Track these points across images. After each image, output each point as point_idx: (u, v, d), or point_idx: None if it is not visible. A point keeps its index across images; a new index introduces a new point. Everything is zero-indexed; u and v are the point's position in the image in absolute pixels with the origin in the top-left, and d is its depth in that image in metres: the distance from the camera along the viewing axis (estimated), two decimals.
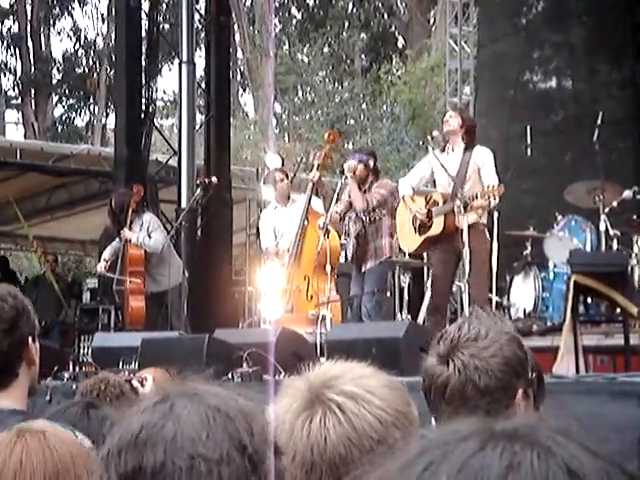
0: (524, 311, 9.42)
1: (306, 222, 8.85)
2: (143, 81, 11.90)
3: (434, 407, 2.41)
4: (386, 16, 31.31)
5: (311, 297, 8.64)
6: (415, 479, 0.88)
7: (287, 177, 9.29)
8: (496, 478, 0.85)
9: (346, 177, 8.60)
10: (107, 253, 10.25)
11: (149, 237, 9.78)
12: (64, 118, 34.50)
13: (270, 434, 1.37)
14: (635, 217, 8.77)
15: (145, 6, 12.15)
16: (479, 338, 2.38)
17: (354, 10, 30.83)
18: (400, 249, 8.79)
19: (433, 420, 2.51)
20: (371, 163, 8.71)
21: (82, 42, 34.18)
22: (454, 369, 2.36)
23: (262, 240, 9.64)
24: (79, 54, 34.30)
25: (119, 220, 10.00)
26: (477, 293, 7.55)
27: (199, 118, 12.39)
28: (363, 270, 8.59)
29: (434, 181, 8.25)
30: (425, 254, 8.95)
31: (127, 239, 9.92)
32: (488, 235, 7.91)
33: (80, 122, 34.43)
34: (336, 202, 8.58)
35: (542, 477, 0.85)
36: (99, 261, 10.51)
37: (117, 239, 10.20)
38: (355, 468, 1.73)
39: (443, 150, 7.97)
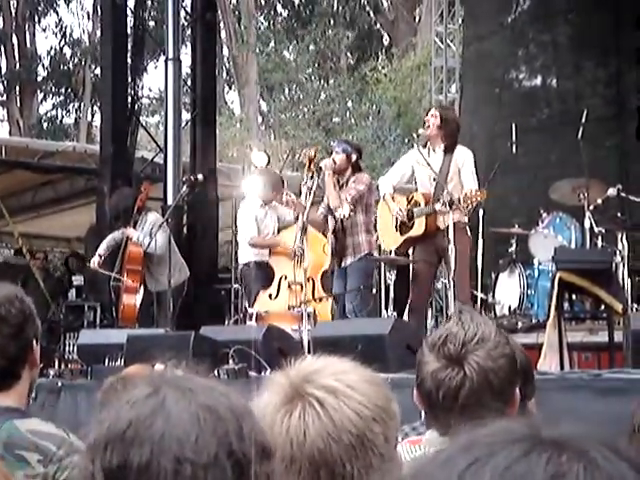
0: (509, 308, 9.45)
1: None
2: (129, 78, 11.88)
3: (440, 412, 2.37)
4: (372, 14, 31.32)
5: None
6: (457, 475, 0.87)
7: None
8: None
9: (323, 175, 8.54)
10: (102, 248, 9.94)
11: (151, 238, 9.50)
12: (49, 115, 34.43)
13: (260, 435, 1.35)
14: (619, 215, 8.80)
15: (131, 3, 12.12)
16: (486, 338, 2.37)
17: (340, 8, 30.82)
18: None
19: (423, 414, 2.50)
20: (354, 157, 8.67)
21: (67, 39, 34.07)
22: (470, 371, 2.33)
23: (247, 230, 9.67)
24: (64, 51, 34.19)
25: (125, 218, 9.79)
26: (460, 291, 7.56)
27: (185, 115, 12.38)
28: (343, 265, 8.58)
29: (414, 179, 8.23)
30: (410, 251, 8.96)
31: (129, 237, 9.73)
32: (470, 233, 7.93)
33: (66, 119, 34.39)
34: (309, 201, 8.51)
35: None
36: (88, 257, 10.45)
37: (114, 233, 10.01)
38: (334, 462, 1.74)
39: (425, 146, 7.95)
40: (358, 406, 1.76)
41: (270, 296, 9.01)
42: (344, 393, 1.77)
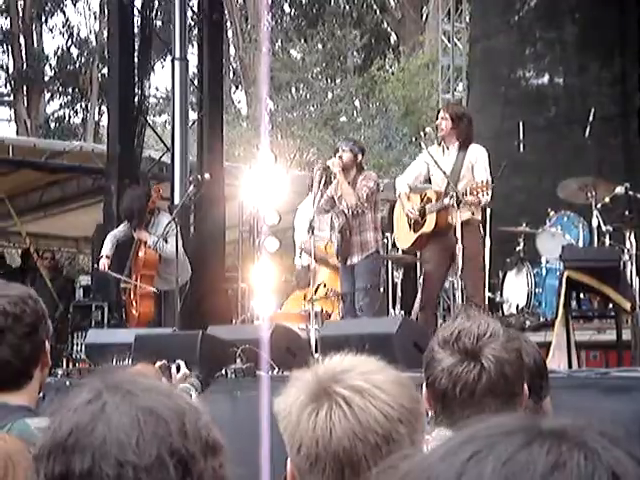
0: (517, 307, 9.44)
1: None
2: (136, 78, 11.88)
3: (456, 408, 2.39)
4: (379, 12, 31.30)
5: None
6: (460, 466, 0.88)
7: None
8: (541, 475, 0.86)
9: (325, 172, 8.58)
10: (107, 248, 9.73)
11: (166, 241, 9.36)
12: (57, 115, 34.49)
13: (205, 430, 1.35)
14: (627, 213, 8.78)
15: (138, 3, 12.12)
16: (497, 333, 2.43)
17: (347, 7, 30.80)
18: (394, 245, 8.81)
19: (429, 413, 2.50)
20: (359, 157, 8.71)
21: (74, 39, 34.13)
22: (488, 364, 2.37)
23: (299, 234, 9.79)
24: (71, 51, 34.24)
25: (139, 219, 9.61)
26: (472, 290, 7.55)
27: (192, 115, 12.39)
28: (349, 264, 8.55)
29: (430, 178, 8.23)
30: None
31: (143, 241, 9.56)
32: (482, 231, 7.94)
33: (73, 119, 34.44)
34: (320, 197, 8.59)
35: (587, 479, 0.86)
36: (93, 259, 10.40)
37: (115, 231, 9.89)
38: (359, 462, 1.74)
39: (440, 144, 7.98)
40: (384, 406, 1.76)
41: (305, 296, 9.00)
42: (371, 393, 1.77)
